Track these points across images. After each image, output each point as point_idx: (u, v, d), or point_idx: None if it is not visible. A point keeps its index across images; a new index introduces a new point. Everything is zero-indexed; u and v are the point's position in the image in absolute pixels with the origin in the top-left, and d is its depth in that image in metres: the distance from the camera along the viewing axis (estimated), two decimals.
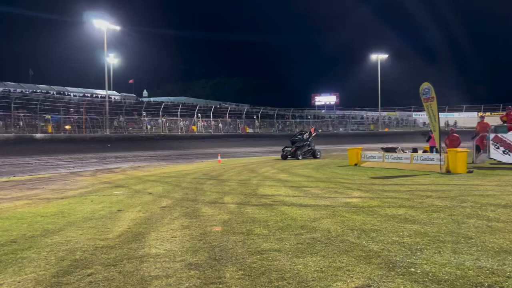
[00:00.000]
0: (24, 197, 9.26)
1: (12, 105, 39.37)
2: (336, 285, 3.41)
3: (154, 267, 3.96)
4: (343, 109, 72.50)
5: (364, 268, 3.79)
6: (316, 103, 75.24)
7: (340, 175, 12.87)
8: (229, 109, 58.46)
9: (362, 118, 68.30)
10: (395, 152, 16.38)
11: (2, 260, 4.22)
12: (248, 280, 3.56)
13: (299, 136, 23.07)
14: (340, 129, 61.19)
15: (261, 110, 59.37)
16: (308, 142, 22.76)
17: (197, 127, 52.29)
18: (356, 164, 16.62)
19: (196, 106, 53.52)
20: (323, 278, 3.56)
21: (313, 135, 23.42)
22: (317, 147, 23.69)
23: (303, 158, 21.95)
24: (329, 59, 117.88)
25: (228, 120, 55.33)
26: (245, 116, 56.62)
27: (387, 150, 17.09)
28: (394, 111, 69.38)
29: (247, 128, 55.33)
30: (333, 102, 74.88)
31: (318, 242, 4.74)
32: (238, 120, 55.89)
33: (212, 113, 53.70)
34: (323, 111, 73.04)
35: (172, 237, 5.19)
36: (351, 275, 3.61)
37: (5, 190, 10.73)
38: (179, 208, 7.42)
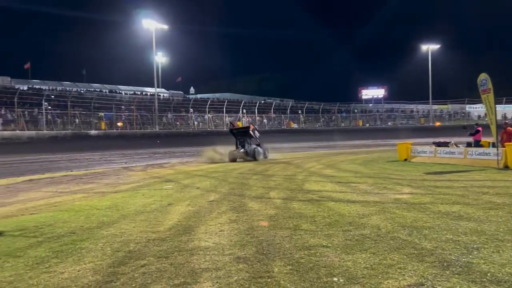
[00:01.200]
0: (81, 191, 9.77)
1: (69, 103, 41.56)
2: (387, 282, 3.32)
3: (203, 260, 4.05)
4: (391, 102, 70.34)
5: (417, 266, 3.67)
6: (363, 97, 73.47)
7: (389, 170, 12.52)
8: (273, 104, 58.44)
9: (412, 111, 65.97)
10: (448, 146, 15.69)
11: (63, 250, 4.48)
12: (296, 275, 3.56)
13: (243, 131, 20.38)
14: (389, 123, 59.46)
15: (306, 105, 58.89)
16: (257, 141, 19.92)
17: (242, 122, 52.71)
18: (406, 159, 16.10)
19: (241, 102, 54.02)
20: (373, 275, 3.49)
21: (256, 131, 20.64)
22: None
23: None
24: (377, 52, 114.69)
25: (273, 115, 55.37)
26: (289, 111, 56.41)
27: (439, 144, 16.40)
28: (446, 104, 66.39)
29: (292, 123, 55.13)
30: (381, 96, 72.77)
31: (368, 239, 4.65)
32: (282, 116, 55.80)
33: (257, 108, 53.90)
34: (370, 105, 71.25)
35: (220, 231, 5.28)
36: (403, 273, 3.51)
37: (63, 184, 11.36)
38: (226, 202, 7.53)
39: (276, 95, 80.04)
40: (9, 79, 53.77)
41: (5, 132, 34.60)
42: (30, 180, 12.39)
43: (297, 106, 60.72)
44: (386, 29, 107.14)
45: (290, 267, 3.78)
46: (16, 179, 12.63)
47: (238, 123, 51.50)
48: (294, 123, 55.48)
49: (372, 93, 73.69)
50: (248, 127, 20.42)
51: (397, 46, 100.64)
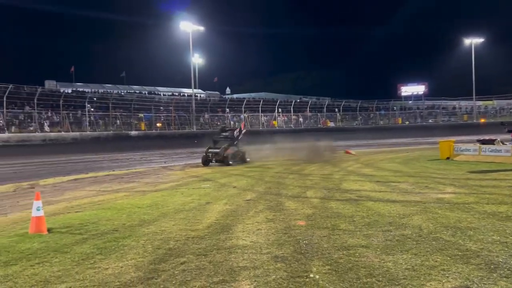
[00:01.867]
0: (122, 190, 10.08)
1: (110, 105, 42.98)
2: (430, 284, 3.23)
3: (241, 258, 4.08)
4: (432, 99, 68.00)
5: (461, 268, 3.54)
6: (403, 94, 71.51)
7: (431, 169, 12.13)
8: (309, 103, 57.99)
9: (454, 108, 63.55)
10: (493, 144, 15.00)
11: (107, 247, 4.64)
12: (335, 275, 3.52)
13: (226, 134, 18.44)
14: (430, 121, 57.57)
15: (343, 103, 58.00)
16: (236, 142, 17.94)
17: (277, 121, 52.69)
18: (448, 158, 15.53)
19: (277, 101, 53.94)
20: (415, 277, 3.39)
21: (243, 131, 18.68)
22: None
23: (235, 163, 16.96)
24: (416, 47, 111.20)
25: (309, 114, 54.94)
26: (326, 110, 55.78)
27: (483, 142, 15.71)
28: (491, 100, 63.46)
29: (329, 122, 54.48)
30: (421, 92, 70.57)
31: (409, 239, 4.52)
32: (319, 114, 55.25)
33: (293, 107, 53.68)
34: (410, 102, 69.24)
35: (258, 230, 5.30)
36: (447, 275, 3.39)
37: (106, 183, 11.76)
38: (263, 201, 7.55)
39: (312, 93, 79.42)
40: (55, 82, 56.30)
41: (52, 134, 36.25)
42: (75, 179, 12.92)
43: (333, 104, 59.98)
44: (426, 23, 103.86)
45: (329, 267, 3.74)
46: (62, 178, 13.20)
47: (274, 122, 51.46)
48: (331, 121, 54.80)
49: (412, 89, 71.60)
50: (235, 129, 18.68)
51: (438, 40, 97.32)
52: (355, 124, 55.55)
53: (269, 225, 5.54)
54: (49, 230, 5.43)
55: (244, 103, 51.73)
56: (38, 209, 5.39)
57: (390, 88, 76.66)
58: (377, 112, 58.42)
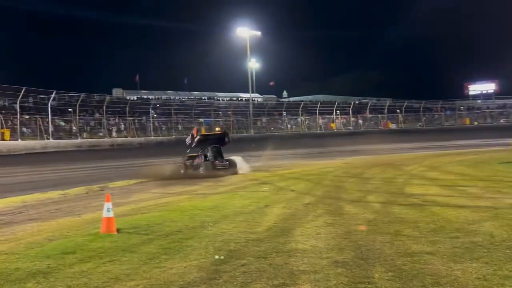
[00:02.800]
0: (185, 192, 10.44)
1: (172, 111, 44.72)
2: None
3: (301, 262, 4.07)
4: (504, 97, 63.39)
5: None
6: (470, 93, 67.49)
7: (503, 172, 11.33)
8: (369, 104, 56.45)
9: None
10: None
11: (171, 247, 4.83)
12: (398, 282, 3.41)
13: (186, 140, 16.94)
14: (501, 121, 53.76)
15: (405, 104, 55.81)
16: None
17: (336, 124, 51.87)
18: None
19: (335, 103, 53.12)
20: (486, 287, 3.20)
21: (196, 138, 16.21)
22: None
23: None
24: (485, 42, 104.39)
25: (369, 115, 53.53)
26: (387, 111, 54.05)
27: None
28: None
29: (390, 124, 52.70)
30: (491, 91, 66.07)
31: (479, 247, 4.27)
32: (379, 115, 53.65)
33: (351, 109, 52.60)
34: (478, 101, 65.16)
35: (317, 234, 5.26)
36: None
37: (170, 186, 12.24)
38: (321, 205, 7.47)
39: (372, 94, 77.35)
40: (121, 90, 59.59)
41: (119, 139, 38.43)
42: (141, 182, 13.57)
43: (395, 105, 57.92)
44: (496, 17, 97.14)
45: (392, 273, 3.63)
46: (129, 181, 13.92)
47: (332, 124, 50.71)
48: (392, 123, 52.99)
49: (481, 88, 67.30)
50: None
51: (509, 34, 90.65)
52: (418, 125, 53.26)
53: (328, 230, 5.48)
54: (118, 230, 5.76)
55: (301, 106, 51.51)
56: (108, 211, 5.74)
57: (456, 87, 72.59)
58: (442, 113, 55.61)
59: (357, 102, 60.99)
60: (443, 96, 59.44)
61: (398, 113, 54.26)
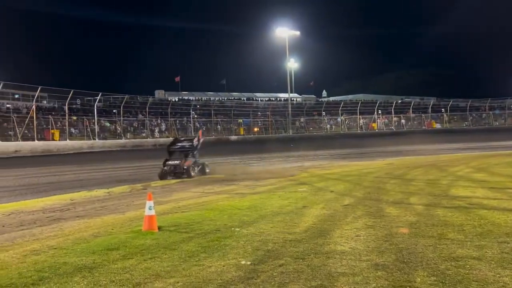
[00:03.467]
0: (223, 192, 10.56)
1: (212, 112, 45.38)
2: None
3: (340, 264, 4.01)
4: None
5: None
6: None
7: None
8: (412, 103, 54.81)
9: None
10: None
11: (210, 246, 4.91)
12: (442, 287, 3.28)
13: (183, 144, 16.54)
14: None
15: (450, 103, 53.75)
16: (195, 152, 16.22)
17: (377, 124, 50.73)
18: None
19: (376, 103, 51.98)
20: None
21: (201, 140, 16.99)
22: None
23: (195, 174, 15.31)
24: None
25: (412, 115, 51.93)
26: (431, 110, 52.23)
27: None
28: None
29: (434, 123, 50.89)
30: None
31: None
32: (423, 115, 51.93)
33: (394, 108, 51.26)
34: None
35: (357, 236, 5.16)
36: None
37: (209, 185, 12.43)
38: (361, 207, 7.33)
39: (415, 93, 75.08)
40: (163, 92, 61.14)
41: (161, 139, 39.41)
42: (182, 181, 13.86)
43: (439, 104, 55.90)
44: None
45: (435, 278, 3.50)
46: (170, 180, 14.26)
47: (373, 124, 49.63)
48: (437, 122, 51.14)
49: None
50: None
51: None
52: (464, 125, 51.07)
53: (368, 232, 5.36)
54: (159, 228, 5.91)
55: (341, 105, 50.75)
56: (150, 209, 5.91)
57: (506, 84, 68.97)
58: (491, 112, 53.00)
59: (399, 101, 59.31)
60: (491, 94, 56.71)
61: (443, 112, 52.29)
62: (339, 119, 50.34)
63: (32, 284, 3.72)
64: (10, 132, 30.68)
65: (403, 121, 51.21)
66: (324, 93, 79.61)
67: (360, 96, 69.61)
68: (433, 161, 17.89)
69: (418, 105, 56.16)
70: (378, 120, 51.00)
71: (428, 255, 4.19)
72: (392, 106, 51.50)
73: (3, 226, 6.87)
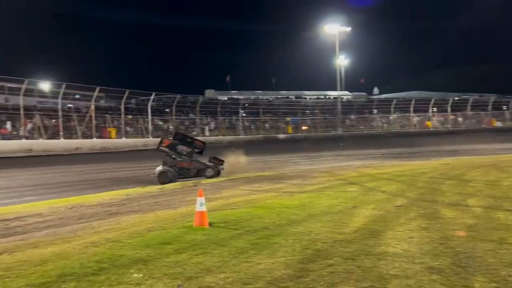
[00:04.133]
0: (272, 190, 10.59)
1: (260, 110, 45.66)
2: None
3: (392, 266, 3.91)
4: None
5: None
6: None
7: None
8: (470, 100, 52.00)
9: None
10: None
11: (259, 243, 4.95)
12: None
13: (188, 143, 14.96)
14: None
15: None
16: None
17: (432, 122, 48.71)
18: None
19: (431, 100, 49.85)
20: None
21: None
22: None
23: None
24: None
25: (470, 113, 49.37)
26: (491, 108, 49.33)
27: None
28: None
29: (494, 122, 48.07)
30: None
31: None
32: (482, 113, 49.19)
33: (450, 106, 48.97)
34: None
35: (410, 238, 5.00)
36: None
37: (257, 183, 12.51)
38: (415, 208, 7.08)
39: (473, 90, 71.22)
40: (213, 91, 62.38)
41: (211, 138, 40.25)
42: (230, 179, 14.06)
43: (501, 101, 52.62)
44: None
45: (495, 284, 3.32)
46: (219, 178, 14.52)
47: (427, 123, 47.68)
48: (498, 120, 48.25)
49: None
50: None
51: None
52: None
53: (422, 234, 5.18)
54: (210, 224, 6.05)
55: (394, 103, 49.19)
56: (201, 205, 6.06)
57: None
58: None
59: (456, 98, 56.49)
60: None
61: (504, 109, 49.22)
62: (391, 117, 48.86)
63: (93, 274, 3.94)
64: (72, 131, 32.65)
65: (460, 119, 48.82)
66: (376, 90, 77.54)
67: (414, 93, 67.02)
68: (493, 161, 16.89)
69: (477, 102, 53.17)
70: (433, 118, 48.93)
71: (487, 260, 3.98)
72: (448, 103, 49.21)
73: (62, 219, 7.31)
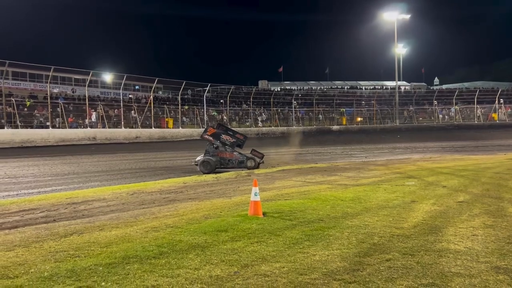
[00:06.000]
0: (325, 182, 10.49)
1: (314, 101, 45.12)
2: None
3: (454, 264, 3.75)
4: None
5: None
6: None
7: None
8: None
9: None
10: None
11: (314, 235, 4.94)
12: None
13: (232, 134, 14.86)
14: None
15: None
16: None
17: (498, 114, 45.69)
18: None
19: (497, 91, 46.74)
20: None
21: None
22: None
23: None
24: None
25: None
26: None
27: None
28: None
29: None
30: None
31: None
32: None
33: None
34: None
35: (473, 235, 4.76)
36: None
37: (310, 174, 12.44)
38: (479, 204, 6.72)
39: None
40: (266, 82, 62.45)
41: (263, 128, 40.48)
42: (283, 170, 14.09)
43: None
44: None
45: None
46: (272, 168, 14.59)
47: (493, 115, 44.84)
48: None
49: None
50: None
51: None
52: None
53: (487, 232, 4.91)
54: (264, 213, 6.12)
55: (456, 94, 46.72)
56: (256, 195, 6.14)
57: None
58: None
59: None
60: None
61: None
62: (452, 109, 46.41)
63: (154, 257, 4.14)
64: (132, 120, 34.21)
65: None
66: (436, 80, 73.93)
67: (478, 84, 63.15)
68: None
69: None
70: (499, 110, 45.86)
71: None
72: None
73: (124, 204, 7.71)
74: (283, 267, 3.77)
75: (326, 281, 3.41)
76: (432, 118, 46.59)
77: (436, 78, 74.87)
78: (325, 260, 3.97)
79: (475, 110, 45.75)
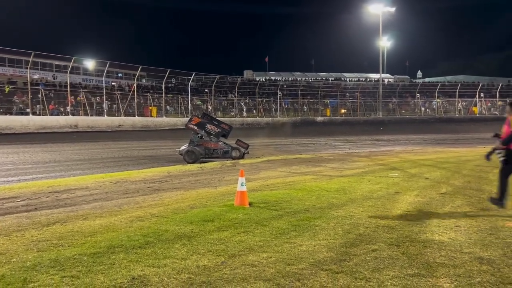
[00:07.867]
0: (310, 173, 10.54)
1: (299, 92, 45.17)
2: None
3: (438, 254, 3.81)
4: None
5: None
6: None
7: None
8: None
9: None
10: None
11: (300, 225, 4.95)
12: None
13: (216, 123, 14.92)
14: None
15: None
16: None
17: (478, 108, 46.61)
18: None
19: (478, 85, 47.61)
20: None
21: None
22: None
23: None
24: None
25: None
26: None
27: None
28: None
29: None
30: None
31: None
32: None
33: (499, 91, 46.57)
34: None
35: (456, 226, 4.85)
36: None
37: (295, 165, 12.48)
38: (461, 196, 6.85)
39: None
40: (251, 72, 62.18)
41: (248, 118, 40.37)
42: (268, 160, 14.10)
43: None
44: None
45: None
46: (257, 159, 14.59)
47: (473, 108, 45.72)
48: None
49: None
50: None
51: None
52: None
53: (469, 223, 5.01)
54: (250, 204, 6.11)
55: (438, 87, 47.37)
56: (242, 185, 6.12)
57: None
58: None
59: (506, 83, 53.59)
60: None
61: None
62: (434, 102, 47.13)
63: (139, 247, 4.09)
64: (114, 108, 33.68)
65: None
66: (419, 73, 74.77)
67: (460, 78, 64.17)
68: None
69: None
70: (479, 104, 46.78)
71: None
72: (497, 89, 46.79)
73: (108, 193, 7.60)
74: (271, 257, 3.77)
75: (313, 271, 3.42)
76: (416, 110, 47.23)
77: (419, 71, 75.77)
78: (312, 250, 3.98)
79: (456, 104, 46.56)
